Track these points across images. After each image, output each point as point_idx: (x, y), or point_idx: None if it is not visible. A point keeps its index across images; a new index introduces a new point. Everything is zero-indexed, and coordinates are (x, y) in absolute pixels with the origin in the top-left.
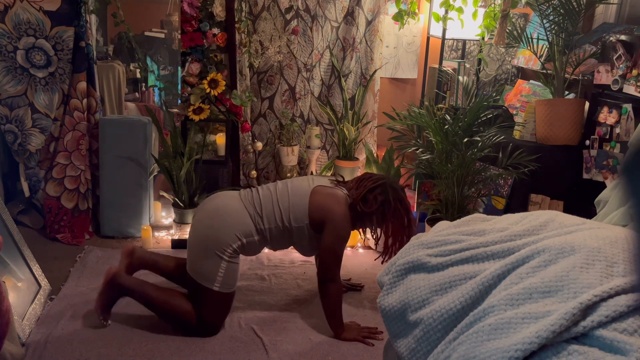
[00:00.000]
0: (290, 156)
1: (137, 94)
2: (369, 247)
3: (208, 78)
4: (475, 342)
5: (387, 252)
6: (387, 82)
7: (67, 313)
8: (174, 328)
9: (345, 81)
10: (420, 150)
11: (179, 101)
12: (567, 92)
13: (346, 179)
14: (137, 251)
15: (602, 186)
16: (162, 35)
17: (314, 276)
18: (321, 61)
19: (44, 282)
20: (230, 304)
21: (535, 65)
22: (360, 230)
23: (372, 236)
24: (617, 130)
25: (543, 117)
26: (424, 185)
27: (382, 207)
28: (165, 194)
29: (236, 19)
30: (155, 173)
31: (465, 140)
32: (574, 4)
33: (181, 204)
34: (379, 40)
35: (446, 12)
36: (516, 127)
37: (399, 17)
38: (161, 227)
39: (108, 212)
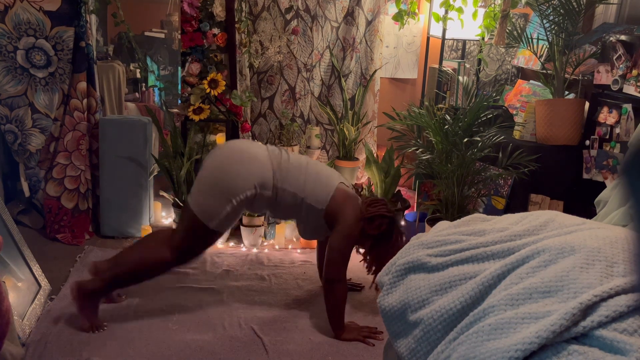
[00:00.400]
0: None
1: (137, 94)
2: None
3: (208, 78)
4: (475, 342)
5: (371, 272)
6: (387, 82)
7: (67, 313)
8: (154, 276)
9: (345, 81)
10: (420, 150)
11: (179, 101)
12: (567, 92)
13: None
14: (99, 265)
15: (602, 186)
16: (162, 35)
17: (314, 276)
18: (321, 61)
19: (44, 282)
20: (214, 242)
21: (535, 65)
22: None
23: (362, 255)
24: (617, 130)
25: (543, 117)
26: (424, 185)
27: (382, 236)
28: (165, 194)
29: (236, 19)
30: (155, 173)
31: (465, 140)
32: (574, 4)
33: (181, 204)
34: (379, 40)
35: (446, 12)
36: (516, 127)
37: (399, 17)
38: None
39: (108, 212)
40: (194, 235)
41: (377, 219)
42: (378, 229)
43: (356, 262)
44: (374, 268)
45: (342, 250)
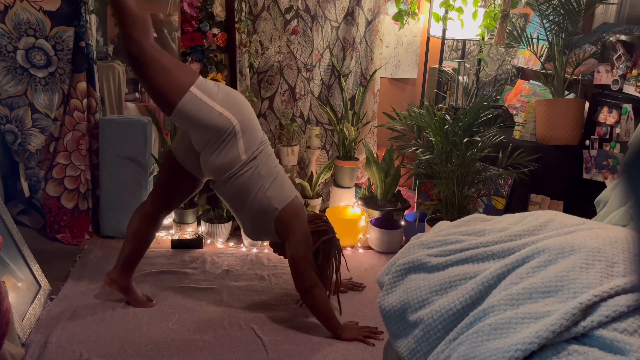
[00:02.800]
0: (290, 156)
1: (137, 94)
2: (369, 247)
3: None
4: (475, 342)
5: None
6: (387, 82)
7: (67, 313)
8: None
9: (345, 81)
10: (420, 150)
11: None
12: (567, 92)
13: (344, 183)
14: (111, 274)
15: (602, 186)
16: None
17: None
18: (321, 61)
19: (44, 282)
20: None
21: (535, 65)
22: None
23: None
24: (617, 130)
25: (543, 117)
26: (424, 185)
27: (318, 253)
28: None
29: (236, 19)
30: (155, 173)
31: (465, 140)
32: (574, 4)
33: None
34: (379, 40)
35: (446, 12)
36: (516, 127)
37: (399, 17)
38: (161, 227)
39: (108, 212)
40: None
41: (315, 234)
42: (315, 246)
43: (356, 262)
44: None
45: (305, 257)
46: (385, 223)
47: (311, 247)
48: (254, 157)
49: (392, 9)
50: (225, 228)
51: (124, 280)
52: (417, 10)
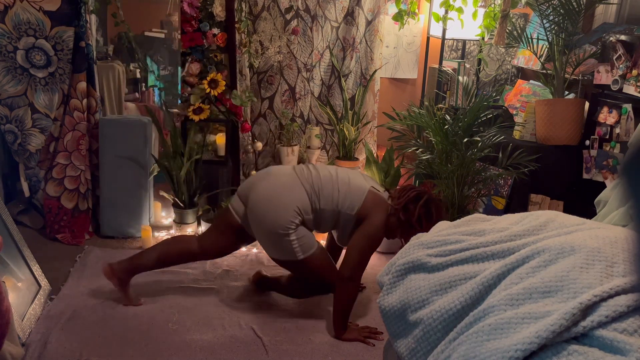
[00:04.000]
0: (290, 156)
1: (137, 94)
2: None
3: (208, 78)
4: (475, 342)
5: None
6: (387, 82)
7: (67, 313)
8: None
9: (345, 81)
10: (420, 150)
11: (179, 101)
12: (567, 92)
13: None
14: (115, 266)
15: (602, 186)
16: (162, 35)
17: None
18: (321, 61)
19: (44, 282)
20: (325, 256)
21: (535, 65)
22: (402, 239)
23: None
24: (617, 130)
25: (543, 117)
26: (424, 185)
27: (423, 218)
28: (165, 194)
29: (236, 19)
30: (155, 173)
31: (465, 140)
32: (574, 4)
33: (181, 204)
34: (379, 40)
35: (446, 12)
36: (516, 127)
37: (399, 17)
38: (161, 227)
39: (108, 212)
40: (311, 272)
41: (411, 204)
42: (416, 214)
43: None
44: None
45: (363, 250)
46: None
47: (376, 246)
48: (307, 212)
49: (392, 9)
50: None
51: (124, 277)
52: (417, 10)
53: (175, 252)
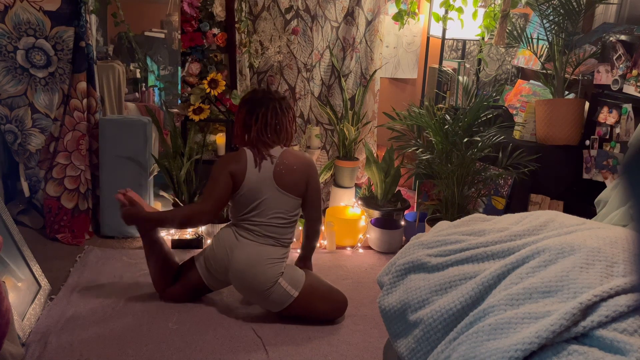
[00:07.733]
0: None
1: (137, 94)
2: (369, 247)
3: (208, 78)
4: (475, 342)
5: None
6: (387, 82)
7: (67, 313)
8: None
9: (345, 81)
10: (420, 150)
11: (179, 101)
12: (567, 92)
13: (344, 183)
14: (136, 206)
15: (602, 186)
16: (162, 35)
17: None
18: (321, 61)
19: (44, 282)
20: (318, 285)
21: (535, 65)
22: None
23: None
24: (617, 130)
25: (543, 117)
26: (424, 185)
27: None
28: (165, 194)
29: (236, 19)
30: (155, 173)
31: (465, 140)
32: (574, 4)
33: (181, 204)
34: (379, 40)
35: (446, 12)
36: (516, 127)
37: (399, 17)
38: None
39: (108, 212)
40: (311, 306)
41: (239, 115)
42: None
43: (356, 262)
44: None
45: (317, 191)
46: (385, 223)
47: (315, 173)
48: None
49: (392, 9)
50: None
51: (137, 209)
52: (417, 10)
53: (166, 250)
